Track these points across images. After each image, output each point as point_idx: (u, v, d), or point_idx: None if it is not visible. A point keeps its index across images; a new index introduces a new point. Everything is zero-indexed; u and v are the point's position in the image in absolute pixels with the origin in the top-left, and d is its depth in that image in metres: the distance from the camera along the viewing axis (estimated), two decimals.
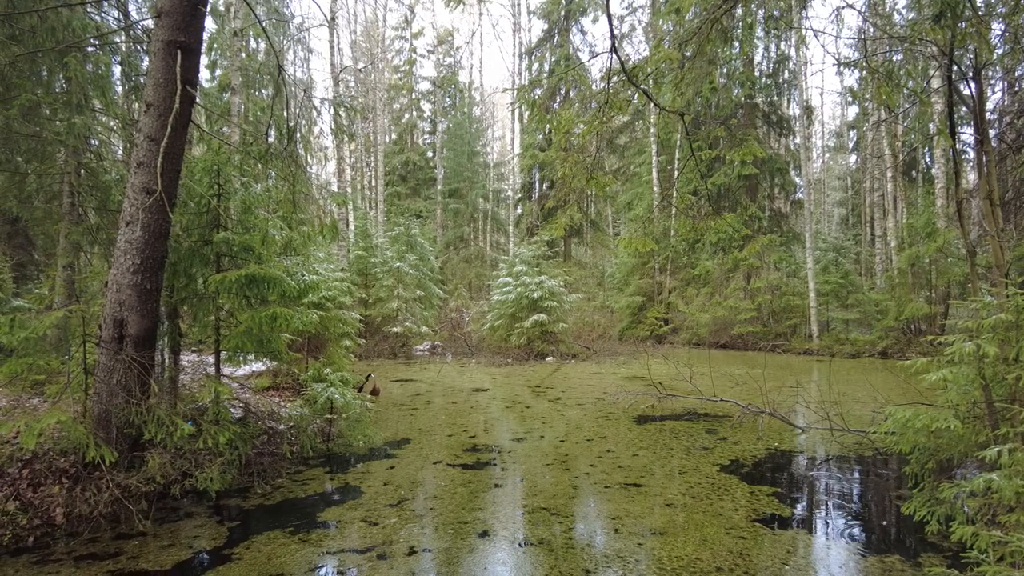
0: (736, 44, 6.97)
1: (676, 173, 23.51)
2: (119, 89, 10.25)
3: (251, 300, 6.26)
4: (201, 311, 6.49)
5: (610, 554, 4.13)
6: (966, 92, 7.06)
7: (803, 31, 13.27)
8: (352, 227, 19.70)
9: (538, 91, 27.73)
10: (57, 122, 8.16)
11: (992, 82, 18.81)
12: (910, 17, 15.80)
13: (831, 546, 4.32)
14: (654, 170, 24.33)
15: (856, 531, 4.62)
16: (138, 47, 8.95)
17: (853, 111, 33.35)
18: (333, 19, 18.76)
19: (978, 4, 6.10)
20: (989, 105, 17.11)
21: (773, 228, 22.82)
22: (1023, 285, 4.07)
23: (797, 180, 24.03)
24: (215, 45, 21.64)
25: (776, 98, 23.54)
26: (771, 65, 22.67)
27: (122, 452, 4.88)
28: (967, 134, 16.41)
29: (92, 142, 9.00)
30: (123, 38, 8.94)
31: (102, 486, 4.60)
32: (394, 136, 37.54)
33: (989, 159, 6.07)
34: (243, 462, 5.68)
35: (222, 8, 19.81)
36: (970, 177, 18.46)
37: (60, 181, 8.52)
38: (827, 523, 4.81)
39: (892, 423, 4.58)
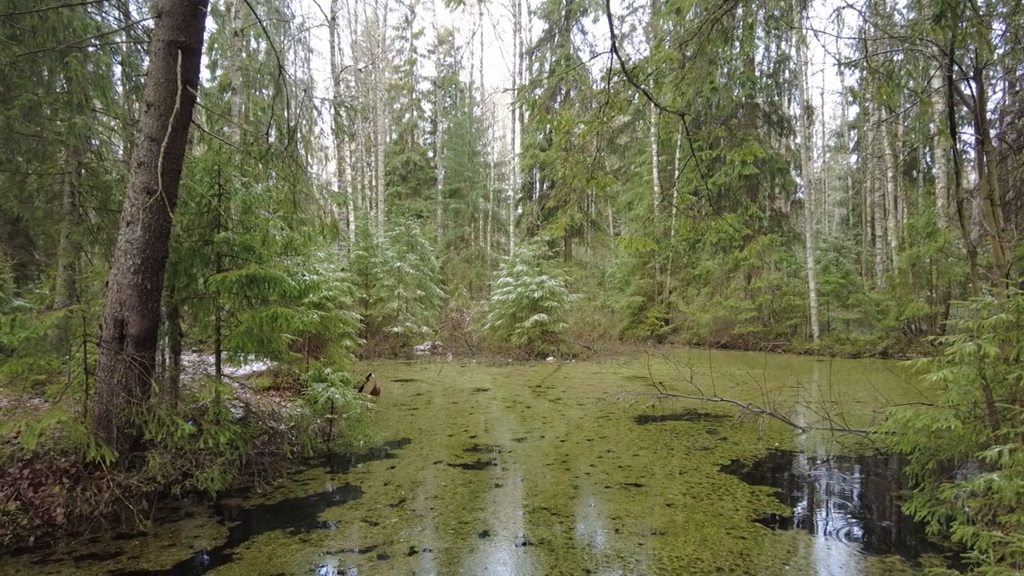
0: (737, 44, 6.96)
1: (677, 173, 23.50)
2: (120, 89, 10.25)
3: (252, 300, 6.27)
4: (202, 311, 6.49)
5: (610, 554, 4.13)
6: (967, 92, 7.06)
7: (804, 31, 13.27)
8: (353, 227, 19.70)
9: (539, 91, 27.74)
10: (58, 122, 8.16)
11: (993, 82, 18.80)
12: (910, 17, 15.79)
13: (831, 546, 4.32)
14: (655, 170, 24.32)
15: (856, 531, 4.62)
16: (139, 47, 8.96)
17: (854, 111, 33.38)
18: (334, 19, 18.76)
19: (979, 4, 6.10)
20: (990, 105, 17.11)
21: (774, 228, 22.81)
22: None
23: (798, 180, 24.03)
24: (216, 45, 21.64)
25: (777, 98, 23.53)
26: (772, 65, 22.66)
27: (123, 452, 4.88)
28: (968, 134, 16.40)
29: (93, 142, 9.01)
30: (124, 38, 8.95)
31: (103, 486, 4.61)
32: (395, 136, 37.55)
33: (990, 159, 6.07)
34: (244, 462, 5.68)
35: (223, 8, 19.81)
36: (971, 177, 18.46)
37: (61, 181, 8.53)
38: (827, 523, 4.81)
39: (893, 423, 4.57)
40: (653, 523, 4.70)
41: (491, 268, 30.30)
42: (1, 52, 7.14)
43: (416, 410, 9.53)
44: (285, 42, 25.78)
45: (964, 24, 5.42)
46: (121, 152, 10.70)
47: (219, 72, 22.17)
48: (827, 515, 5.02)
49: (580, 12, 28.74)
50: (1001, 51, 10.55)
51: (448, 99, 37.37)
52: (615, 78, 5.75)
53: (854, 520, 4.88)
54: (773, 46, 22.35)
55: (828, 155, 41.65)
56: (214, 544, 4.34)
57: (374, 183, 32.99)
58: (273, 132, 6.85)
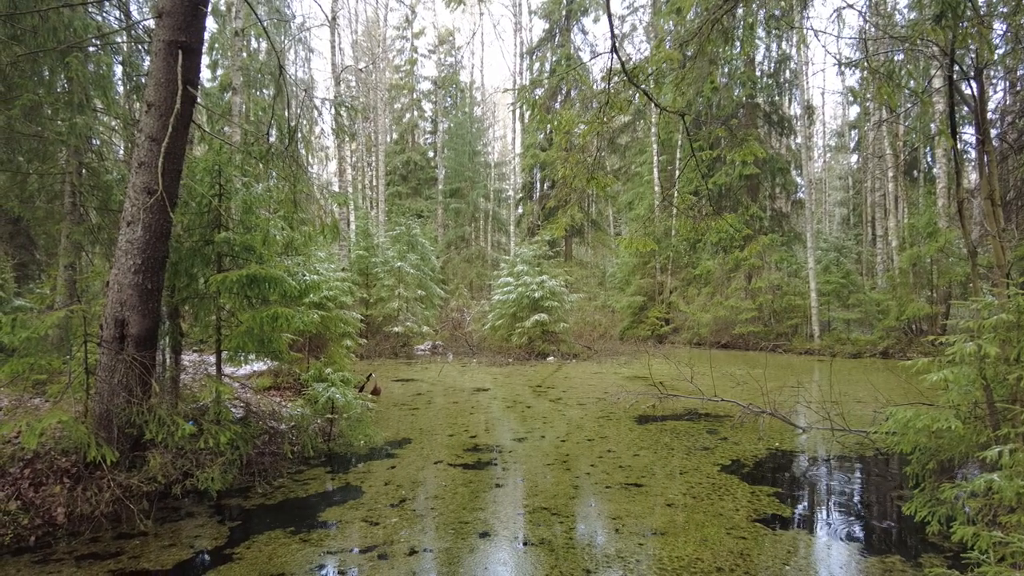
0: (737, 44, 6.96)
1: (677, 173, 23.50)
2: (120, 89, 10.25)
3: (252, 300, 6.27)
4: (202, 311, 6.49)
5: (611, 554, 4.13)
6: (967, 92, 7.06)
7: (804, 31, 13.27)
8: (353, 227, 19.72)
9: (539, 91, 27.72)
10: (59, 122, 8.16)
11: (994, 82, 18.78)
12: (911, 17, 15.78)
13: (832, 546, 4.32)
14: (655, 170, 24.32)
15: (857, 531, 4.62)
16: (139, 47, 8.95)
17: (854, 111, 33.36)
18: (334, 19, 18.77)
19: (979, 4, 6.09)
20: (991, 105, 17.09)
21: (774, 228, 22.81)
22: None
23: (798, 180, 24.03)
24: (216, 45, 21.65)
25: (777, 98, 23.52)
26: (772, 65, 22.66)
27: (123, 452, 4.89)
28: (968, 134, 16.39)
29: (93, 142, 9.01)
30: (124, 38, 8.95)
31: (103, 486, 4.61)
32: (395, 136, 37.57)
33: (991, 159, 6.06)
34: (244, 462, 5.69)
35: (223, 8, 19.82)
36: (971, 177, 18.44)
37: (62, 181, 8.53)
38: (828, 523, 4.81)
39: (893, 423, 4.57)
40: (653, 523, 4.70)
41: (492, 268, 30.31)
42: (2, 52, 7.14)
43: (416, 410, 9.53)
44: (286, 42, 25.79)
45: (964, 24, 5.41)
46: (122, 152, 10.70)
47: (220, 72, 22.19)
48: (827, 515, 5.02)
49: (581, 12, 28.73)
50: (1002, 51, 10.54)
51: (449, 99, 37.38)
52: (615, 78, 5.75)
53: (854, 520, 4.88)
54: (774, 46, 22.35)
55: (829, 155, 41.64)
56: (214, 544, 4.34)
57: (375, 183, 33.01)
58: (274, 132, 6.85)
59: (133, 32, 8.81)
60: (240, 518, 4.88)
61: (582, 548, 4.24)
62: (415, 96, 38.36)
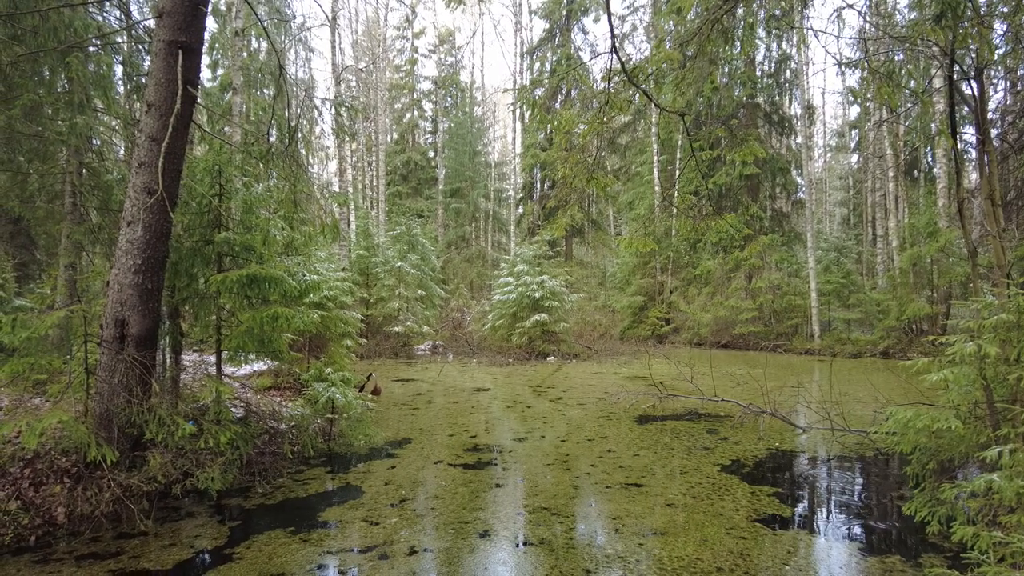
0: (737, 44, 6.96)
1: (677, 173, 23.49)
2: (121, 89, 10.26)
3: (252, 300, 6.27)
4: (202, 311, 6.50)
5: (611, 554, 4.13)
6: (968, 92, 7.06)
7: (804, 31, 13.26)
8: (353, 227, 19.72)
9: (539, 91, 27.71)
10: (59, 122, 8.17)
11: (994, 82, 18.77)
12: (911, 17, 15.78)
13: (832, 546, 4.32)
14: (655, 170, 24.31)
15: (857, 531, 4.62)
16: (140, 47, 8.96)
17: (855, 111, 33.36)
18: (334, 19, 18.77)
19: (979, 4, 6.09)
20: (991, 105, 17.08)
21: (774, 228, 22.80)
22: None
23: (799, 180, 24.02)
24: (216, 45, 21.66)
25: (778, 98, 23.52)
26: (772, 65, 22.65)
27: (123, 452, 4.89)
28: (969, 134, 16.38)
29: (94, 142, 9.02)
30: (125, 38, 8.95)
31: (103, 486, 4.61)
32: (395, 136, 37.57)
33: (991, 159, 6.06)
34: (244, 462, 5.69)
35: (223, 8, 19.83)
36: (972, 177, 18.43)
37: (62, 181, 8.54)
38: (828, 523, 4.81)
39: (893, 423, 4.58)
40: (653, 523, 4.70)
41: (492, 268, 30.31)
42: (3, 52, 7.15)
43: (417, 410, 9.53)
44: (286, 42, 25.80)
45: (965, 24, 5.41)
46: (122, 152, 10.71)
47: (220, 72, 22.20)
48: (827, 515, 5.02)
49: (581, 12, 28.72)
50: (1002, 51, 10.53)
51: (449, 99, 37.39)
52: (615, 78, 5.75)
53: (854, 520, 4.88)
54: (774, 46, 22.34)
55: (829, 155, 41.63)
56: (215, 544, 4.35)
57: (375, 183, 33.02)
58: (274, 132, 6.85)
59: (133, 32, 8.82)
60: (240, 518, 4.88)
61: (582, 548, 4.24)
62: (415, 96, 38.37)
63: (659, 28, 22.72)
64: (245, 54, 16.18)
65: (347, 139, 24.16)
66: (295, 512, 4.99)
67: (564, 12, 28.46)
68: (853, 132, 33.26)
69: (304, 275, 7.75)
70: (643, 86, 5.81)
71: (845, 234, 31.39)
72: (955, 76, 6.21)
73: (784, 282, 20.51)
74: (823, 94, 43.48)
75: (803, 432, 7.73)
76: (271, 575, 3.84)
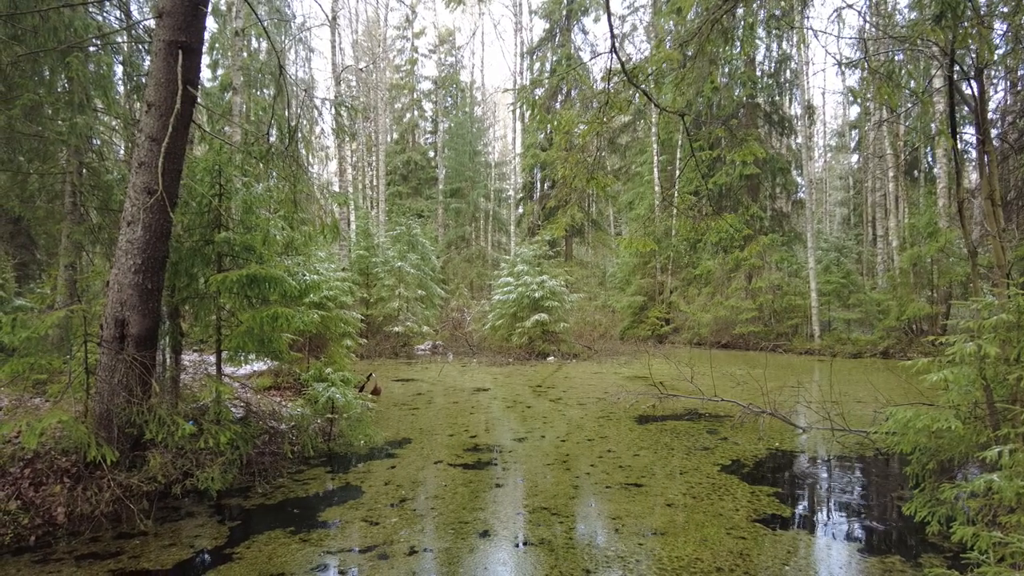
0: (737, 44, 6.96)
1: (677, 173, 23.50)
2: (121, 89, 10.26)
3: (252, 300, 6.27)
4: (202, 311, 6.50)
5: (611, 554, 4.13)
6: (968, 92, 7.05)
7: (804, 31, 13.26)
8: (353, 227, 19.72)
9: (539, 91, 27.71)
10: (59, 122, 8.17)
11: (994, 82, 18.77)
12: (911, 17, 15.78)
13: (832, 546, 4.32)
14: (655, 170, 24.31)
15: (857, 531, 4.62)
16: (140, 47, 8.96)
17: (855, 110, 33.35)
18: (334, 19, 18.77)
19: (979, 4, 6.09)
20: (991, 105, 17.07)
21: (775, 228, 22.80)
22: None
23: (799, 180, 24.03)
24: (217, 45, 21.66)
25: (778, 98, 23.52)
26: (773, 65, 22.65)
27: (123, 451, 4.89)
28: (969, 134, 16.37)
29: (94, 142, 9.02)
30: (125, 38, 8.96)
31: (103, 485, 4.61)
32: (395, 136, 37.58)
33: (991, 159, 6.06)
34: (244, 461, 5.69)
35: (224, 8, 19.83)
36: (972, 177, 18.43)
37: (62, 181, 8.54)
38: (828, 523, 4.81)
39: (893, 423, 4.57)
40: (653, 523, 4.70)
41: (492, 268, 30.31)
42: (3, 52, 7.15)
43: (417, 410, 9.53)
44: (286, 42, 25.80)
45: (965, 24, 5.41)
46: (122, 152, 10.71)
47: (220, 72, 22.20)
48: (827, 515, 5.02)
49: (581, 11, 28.72)
50: (1002, 51, 10.53)
51: (449, 99, 37.40)
52: (615, 78, 5.75)
53: (854, 520, 4.88)
54: (774, 46, 22.35)
55: (829, 155, 41.63)
56: (214, 544, 4.35)
57: (375, 183, 33.02)
58: (274, 132, 6.84)
59: (133, 32, 8.82)
60: (240, 518, 4.88)
61: (582, 548, 4.24)
62: (415, 96, 38.37)
63: (659, 28, 22.72)
64: (245, 54, 16.18)
65: (347, 139, 24.16)
66: (295, 512, 4.99)
67: (564, 12, 28.46)
68: (853, 132, 33.26)
69: (304, 275, 7.75)
70: (643, 86, 5.81)
71: (845, 234, 31.39)
72: (955, 76, 6.21)
73: (784, 282, 20.51)
74: (823, 94, 43.51)
75: (803, 432, 7.73)
76: (271, 575, 3.84)
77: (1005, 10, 7.30)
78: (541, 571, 3.88)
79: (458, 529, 4.57)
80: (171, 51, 5.02)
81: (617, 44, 5.36)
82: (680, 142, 23.44)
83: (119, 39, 8.94)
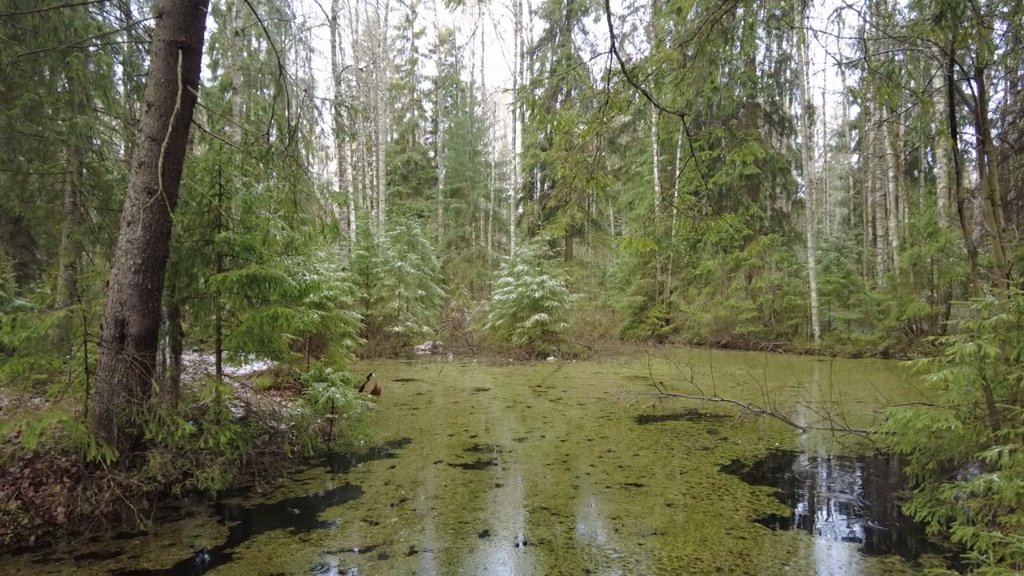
0: (737, 44, 6.96)
1: (677, 173, 23.50)
2: (121, 89, 10.27)
3: (252, 300, 6.27)
4: (202, 311, 6.50)
5: (610, 554, 4.13)
6: (968, 92, 7.05)
7: (804, 31, 13.26)
8: (353, 226, 19.72)
9: (539, 91, 27.71)
10: (59, 122, 8.17)
11: (994, 82, 18.76)
12: (911, 17, 15.77)
13: (831, 546, 4.32)
14: (655, 170, 24.31)
15: (857, 531, 4.62)
16: (140, 47, 8.96)
17: (855, 110, 33.33)
18: (334, 18, 18.77)
19: (979, 4, 6.09)
20: (991, 105, 17.07)
21: (775, 228, 22.80)
22: None
23: (799, 180, 24.03)
24: (217, 45, 21.66)
25: (778, 98, 23.51)
26: (773, 65, 22.65)
27: (123, 451, 4.89)
28: (969, 134, 16.37)
29: (94, 142, 9.02)
30: (125, 38, 8.96)
31: (103, 485, 4.61)
32: (396, 135, 37.58)
33: (991, 159, 6.06)
34: (244, 461, 5.69)
35: (224, 8, 19.83)
36: (972, 177, 18.43)
37: (62, 181, 8.54)
38: (828, 523, 4.81)
39: (893, 423, 4.57)
40: (653, 523, 4.70)
41: (492, 268, 30.32)
42: (3, 52, 7.15)
43: (417, 410, 9.53)
44: (286, 42, 25.79)
45: (965, 24, 5.41)
46: (122, 152, 10.72)
47: (220, 72, 22.20)
48: (827, 515, 5.02)
49: (581, 11, 28.72)
50: (1002, 51, 10.53)
51: (449, 99, 37.40)
52: (615, 78, 5.75)
53: (854, 520, 4.88)
54: (774, 46, 22.34)
55: (829, 155, 41.63)
56: (214, 543, 4.35)
57: (375, 183, 33.02)
58: (274, 132, 6.84)
59: (133, 32, 8.82)
60: (240, 518, 4.88)
61: (582, 548, 4.24)
62: (415, 96, 38.37)
63: (659, 28, 22.71)
64: (245, 54, 16.18)
65: (347, 139, 24.15)
66: (295, 512, 4.99)
67: (564, 12, 28.46)
68: (853, 132, 33.26)
69: (304, 275, 7.75)
70: (643, 86, 5.81)
71: (845, 234, 31.38)
72: (955, 76, 6.20)
73: (784, 282, 20.51)
74: (823, 94, 43.51)
75: (803, 432, 7.73)
76: (271, 575, 3.84)
77: (1005, 10, 7.30)
78: (541, 571, 3.88)
79: (458, 529, 4.57)
80: (171, 51, 5.02)
81: (617, 44, 5.36)
82: (680, 142, 23.44)
83: (119, 39, 8.94)
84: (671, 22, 18.43)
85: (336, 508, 5.08)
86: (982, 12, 6.29)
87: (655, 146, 24.43)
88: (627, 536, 4.43)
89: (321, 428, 7.07)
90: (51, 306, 7.78)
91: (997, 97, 18.44)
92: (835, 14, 6.19)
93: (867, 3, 16.67)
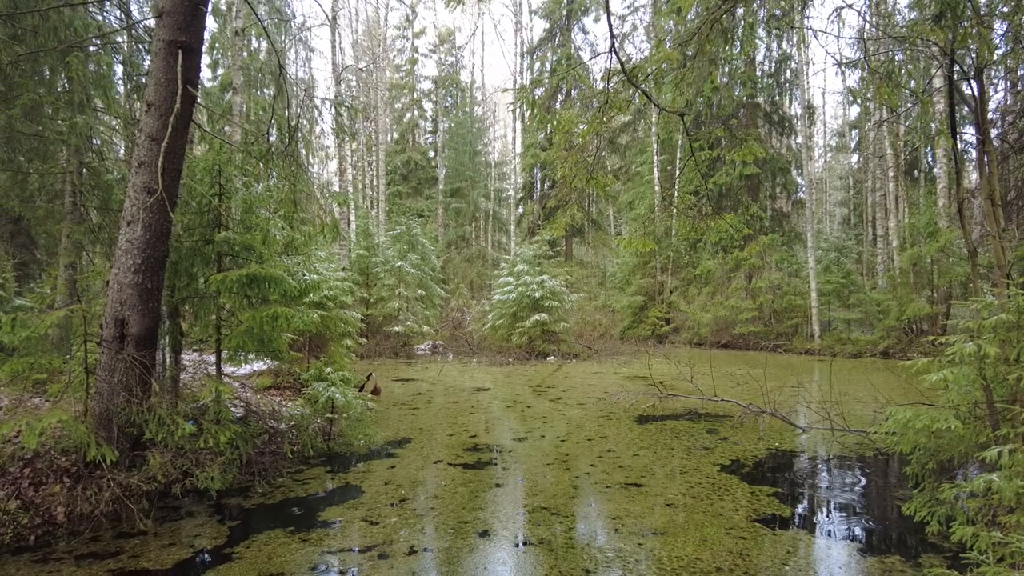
0: (737, 44, 6.96)
1: (677, 173, 23.50)
2: (121, 89, 10.27)
3: (252, 299, 6.27)
4: (202, 310, 6.50)
5: (610, 554, 4.13)
6: (968, 92, 7.05)
7: (804, 31, 13.26)
8: (353, 226, 19.71)
9: (539, 91, 27.72)
10: (59, 121, 8.17)
11: (994, 81, 18.76)
12: (911, 17, 15.76)
13: (831, 546, 4.32)
14: (655, 170, 24.31)
15: (856, 531, 4.62)
16: (140, 47, 8.96)
17: (855, 110, 33.32)
18: (334, 18, 18.77)
19: (979, 4, 6.08)
20: (991, 105, 17.07)
21: (775, 228, 22.80)
22: None
23: (799, 180, 24.02)
24: (217, 45, 21.66)
25: (778, 97, 23.51)
26: (773, 64, 22.64)
27: (123, 451, 4.89)
28: (969, 134, 16.37)
29: (94, 141, 9.02)
30: (125, 38, 8.96)
31: (103, 485, 4.61)
32: (396, 135, 37.58)
33: (991, 159, 6.06)
34: (244, 461, 5.69)
35: (224, 8, 19.83)
36: (972, 177, 18.43)
37: (62, 180, 8.54)
38: (827, 523, 4.81)
39: (893, 423, 4.57)
40: (653, 523, 4.70)
41: (492, 267, 30.32)
42: (3, 51, 7.15)
43: (416, 409, 9.53)
44: (286, 41, 25.78)
45: (965, 24, 5.41)
46: (122, 152, 10.71)
47: (220, 72, 22.20)
48: (827, 515, 5.02)
49: (581, 11, 28.72)
50: (1002, 51, 10.53)
51: (449, 98, 37.40)
52: (615, 78, 5.75)
53: (854, 520, 4.88)
54: (774, 46, 22.34)
55: (829, 155, 41.62)
56: (214, 543, 4.35)
57: (375, 182, 33.02)
58: (274, 131, 6.84)
59: (133, 32, 8.82)
60: (240, 517, 4.88)
61: (582, 548, 4.24)
62: (415, 96, 38.37)
63: (659, 28, 22.71)
64: (245, 54, 16.18)
65: (347, 139, 24.16)
66: (295, 512, 4.99)
67: (564, 12, 28.46)
68: (853, 132, 33.25)
69: (304, 275, 7.75)
70: (643, 86, 5.81)
71: (845, 234, 31.38)
72: (955, 76, 6.20)
73: (784, 282, 20.51)
74: (823, 94, 43.52)
75: (803, 432, 7.73)
76: (271, 575, 3.84)
77: (1005, 10, 7.30)
78: (541, 571, 3.88)
79: (458, 529, 4.57)
80: (171, 51, 5.02)
81: (617, 44, 5.36)
82: (680, 142, 23.44)
83: (119, 39, 8.94)
84: (671, 22, 18.43)
85: (336, 508, 5.08)
86: (982, 12, 6.29)
87: (655, 146, 24.43)
88: (627, 536, 4.43)
89: (321, 428, 7.07)
90: (51, 306, 7.79)
91: (997, 97, 18.45)
92: (835, 14, 6.19)
93: (867, 3, 16.67)
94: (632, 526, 4.62)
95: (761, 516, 4.84)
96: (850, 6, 5.94)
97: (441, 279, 24.85)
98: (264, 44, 21.91)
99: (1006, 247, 5.74)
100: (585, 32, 30.03)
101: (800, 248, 22.65)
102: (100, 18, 9.01)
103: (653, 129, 24.41)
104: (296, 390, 9.42)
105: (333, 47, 18.84)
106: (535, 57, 30.09)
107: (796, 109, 24.58)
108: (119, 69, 9.30)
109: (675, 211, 22.18)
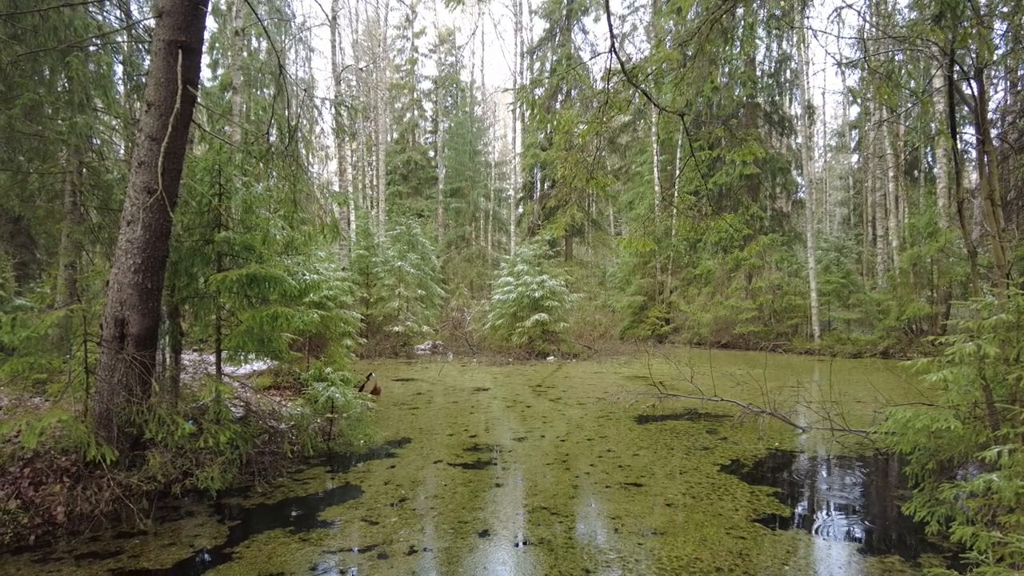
0: (737, 44, 6.96)
1: (677, 173, 23.50)
2: (121, 88, 10.26)
3: (252, 299, 6.27)
4: (202, 310, 6.50)
5: (610, 554, 4.13)
6: (967, 92, 7.06)
7: (804, 31, 13.26)
8: (353, 226, 19.72)
9: (539, 91, 27.72)
10: (59, 121, 8.17)
11: (994, 81, 18.76)
12: (911, 17, 15.76)
13: (831, 546, 4.32)
14: (655, 170, 24.31)
15: (856, 531, 4.62)
16: (140, 47, 8.96)
17: (855, 110, 33.31)
18: (335, 18, 18.76)
19: (980, 4, 6.09)
20: (991, 105, 17.07)
21: (775, 228, 22.80)
22: None
23: (799, 180, 24.03)
24: (217, 45, 21.66)
25: (778, 97, 23.50)
26: (773, 64, 22.64)
27: (123, 451, 4.89)
28: (969, 134, 16.37)
29: (94, 141, 9.02)
30: (125, 38, 8.95)
31: (103, 485, 4.62)
32: (395, 135, 37.57)
33: (991, 159, 6.06)
34: (244, 461, 5.69)
35: (224, 7, 19.83)
36: (972, 177, 18.43)
37: (62, 180, 8.54)
38: (827, 523, 4.81)
39: (893, 423, 4.57)
40: (653, 523, 4.71)
41: (492, 267, 30.32)
42: (3, 51, 7.15)
43: (416, 409, 9.53)
44: (286, 41, 25.78)
45: (965, 24, 5.42)
46: (122, 151, 10.71)
47: (220, 71, 22.19)
48: (827, 515, 5.02)
49: (581, 11, 28.72)
50: (1002, 51, 10.52)
51: (449, 98, 37.40)
52: (615, 78, 5.75)
53: (854, 520, 4.88)
54: (774, 46, 22.33)
55: (829, 155, 41.62)
56: (214, 543, 4.35)
57: (375, 182, 33.02)
58: (274, 131, 6.84)
59: (133, 32, 8.82)
60: (240, 517, 4.88)
61: (581, 548, 4.24)
62: (415, 96, 38.37)
63: (659, 28, 22.70)
64: (245, 54, 16.17)
65: (347, 139, 24.16)
66: (295, 512, 4.99)
67: (564, 12, 28.45)
68: (853, 132, 33.24)
69: (304, 275, 7.75)
70: (643, 86, 5.81)
71: (845, 234, 31.39)
72: (955, 76, 6.20)
73: (784, 282, 20.51)
74: (823, 94, 43.50)
75: (803, 432, 7.73)
76: (270, 574, 3.85)
77: (1005, 10, 7.30)
78: (541, 571, 3.88)
79: (458, 529, 4.57)
80: (171, 51, 5.02)
81: (617, 44, 5.36)
82: (680, 142, 23.43)
83: (119, 39, 8.93)
84: (671, 22, 18.42)
85: (336, 508, 5.08)
86: (982, 12, 6.29)
87: (655, 146, 24.43)
88: (627, 536, 4.43)
89: (321, 428, 7.07)
90: (51, 306, 7.79)
91: (997, 97, 18.44)
92: (835, 14, 6.19)
93: (867, 3, 16.67)
94: (632, 526, 4.62)
95: (761, 516, 4.84)
96: (850, 6, 5.95)
97: (441, 279, 24.85)
98: (264, 44, 21.90)
99: (1006, 247, 5.75)
100: (585, 32, 30.04)
101: (800, 248, 22.65)
102: (100, 18, 9.01)
103: (653, 129, 24.40)
104: (296, 390, 9.42)
105: (333, 47, 18.84)
106: (535, 57, 30.09)
107: (796, 109, 24.58)
108: (119, 69, 9.30)
109: (675, 211, 22.18)
